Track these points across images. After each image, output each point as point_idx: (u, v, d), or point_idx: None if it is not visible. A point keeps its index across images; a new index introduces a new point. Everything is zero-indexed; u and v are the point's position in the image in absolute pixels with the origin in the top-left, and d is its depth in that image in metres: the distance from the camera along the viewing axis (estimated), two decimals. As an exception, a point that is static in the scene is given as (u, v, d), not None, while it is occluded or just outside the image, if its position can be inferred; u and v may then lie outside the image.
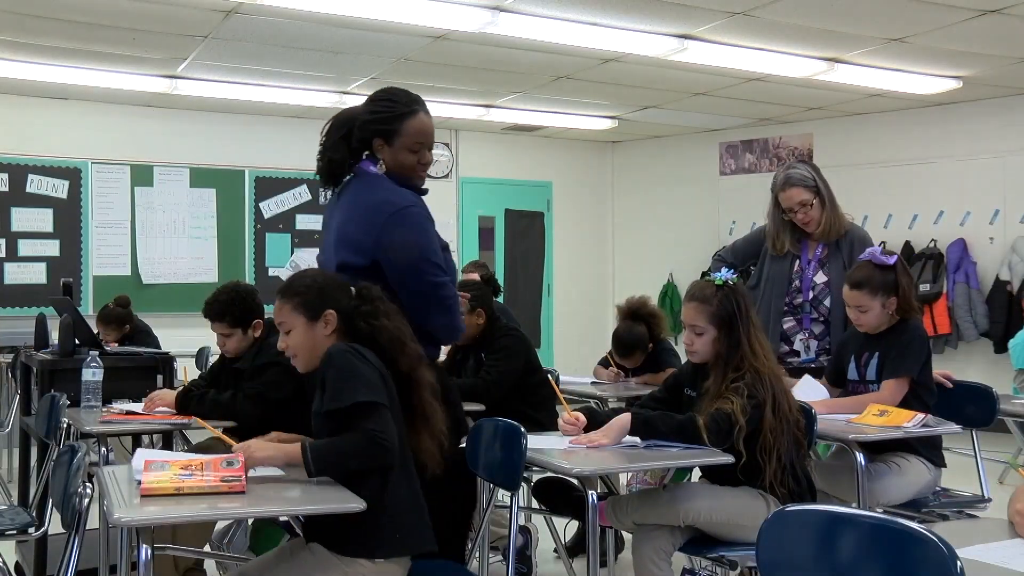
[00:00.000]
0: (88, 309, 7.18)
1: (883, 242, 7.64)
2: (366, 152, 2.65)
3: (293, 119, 8.14)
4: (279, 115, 8.00)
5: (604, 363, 4.60)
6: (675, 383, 2.87)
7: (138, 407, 3.41)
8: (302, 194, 8.27)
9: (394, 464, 2.07)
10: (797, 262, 3.60)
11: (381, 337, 2.20)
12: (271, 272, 8.11)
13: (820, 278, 3.58)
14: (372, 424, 2.04)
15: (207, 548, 3.31)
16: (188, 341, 6.17)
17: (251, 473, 2.09)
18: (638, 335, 4.33)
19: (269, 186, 8.15)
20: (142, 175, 7.71)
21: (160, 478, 2.03)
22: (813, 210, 3.57)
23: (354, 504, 1.96)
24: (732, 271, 2.74)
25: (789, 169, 3.65)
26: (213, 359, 4.27)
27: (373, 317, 2.22)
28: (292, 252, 8.19)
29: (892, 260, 3.14)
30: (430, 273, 2.54)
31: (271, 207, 8.17)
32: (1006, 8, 5.08)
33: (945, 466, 3.14)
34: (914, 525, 1.35)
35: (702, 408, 2.59)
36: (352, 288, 2.29)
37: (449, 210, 8.90)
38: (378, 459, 2.05)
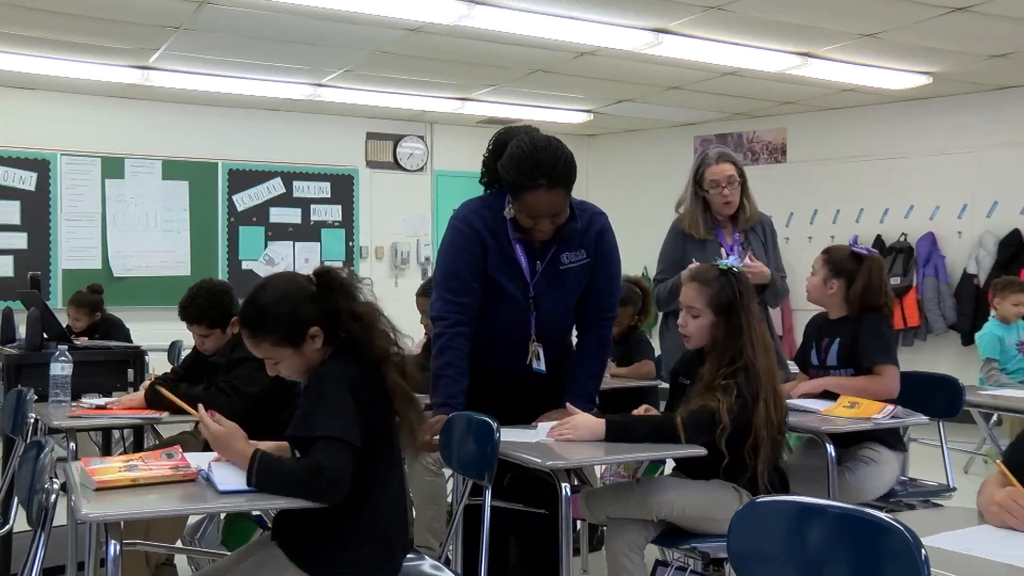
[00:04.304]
0: (57, 303, 7.09)
1: (855, 235, 7.71)
2: None
3: (267, 111, 8.08)
4: (253, 107, 7.94)
5: None
6: (673, 373, 2.87)
7: (107, 401, 3.37)
8: (276, 187, 8.21)
9: (336, 503, 1.95)
10: (721, 249, 3.64)
11: (354, 334, 2.08)
12: (244, 265, 8.06)
13: (749, 257, 3.62)
14: (326, 460, 1.92)
15: (179, 543, 3.28)
16: (160, 335, 6.11)
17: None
18: (631, 291, 4.40)
19: (243, 179, 8.09)
20: (113, 167, 7.62)
21: (109, 471, 2.02)
22: (737, 189, 3.64)
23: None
24: (738, 259, 2.72)
25: (716, 148, 3.74)
26: (186, 353, 4.23)
27: (338, 316, 2.07)
28: (266, 246, 8.16)
29: (860, 250, 3.18)
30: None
31: (244, 200, 8.11)
32: (972, 6, 5.13)
33: (906, 450, 3.18)
34: (880, 515, 1.37)
35: (692, 396, 2.58)
36: (311, 277, 2.13)
37: (423, 203, 8.87)
38: (319, 496, 1.93)
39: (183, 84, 6.97)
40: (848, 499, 3.01)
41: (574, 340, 3.04)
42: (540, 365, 2.88)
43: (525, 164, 2.65)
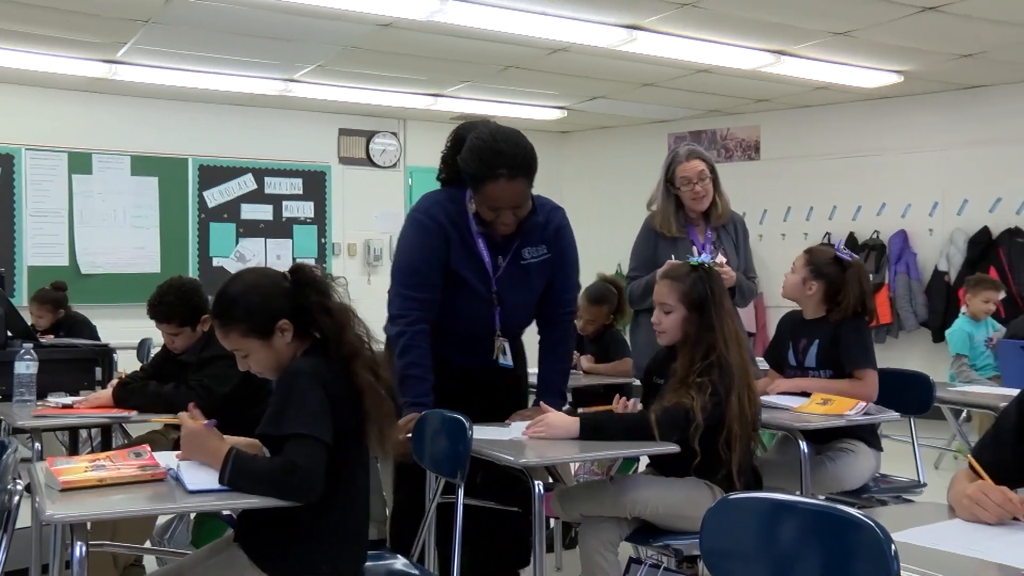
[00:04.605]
0: (22, 300, 6.99)
1: (827, 233, 7.79)
2: None
3: (238, 107, 8.01)
4: (223, 102, 7.87)
5: None
6: (647, 372, 2.89)
7: (74, 400, 3.33)
8: (247, 183, 8.16)
9: (311, 501, 1.94)
10: (693, 247, 3.67)
11: (325, 330, 2.09)
12: (215, 262, 7.99)
13: (720, 259, 3.65)
14: (299, 458, 1.91)
15: (147, 544, 3.24)
16: (129, 332, 6.05)
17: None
18: (607, 290, 4.46)
19: (213, 175, 8.02)
20: (80, 162, 7.52)
21: (75, 471, 2.00)
22: (708, 184, 3.66)
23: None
24: (709, 255, 2.76)
25: (687, 146, 3.75)
26: (155, 351, 4.19)
27: (310, 311, 2.08)
28: (237, 242, 8.11)
29: (844, 255, 3.21)
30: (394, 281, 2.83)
31: (215, 196, 8.04)
32: (942, 6, 5.19)
33: (882, 449, 3.22)
34: (851, 511, 1.38)
35: (666, 393, 2.60)
36: (285, 274, 2.15)
37: (396, 200, 8.84)
38: (294, 494, 1.92)
39: (152, 78, 6.90)
40: (827, 488, 3.06)
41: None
42: (507, 360, 2.89)
43: (485, 154, 2.66)
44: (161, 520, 3.32)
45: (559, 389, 2.96)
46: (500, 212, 2.71)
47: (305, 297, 2.08)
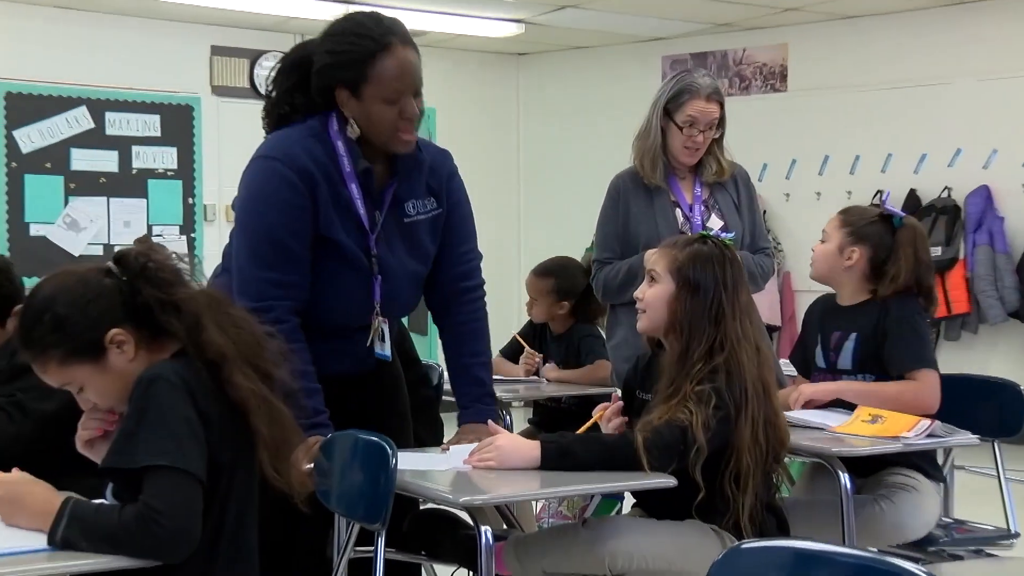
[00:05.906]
0: None
1: (879, 191, 7.87)
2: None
3: (66, 10, 7.91)
4: (43, 3, 7.76)
5: (509, 352, 4.63)
6: (627, 384, 2.94)
7: None
8: (80, 120, 8.08)
9: (182, 558, 1.94)
10: (677, 209, 3.73)
11: (175, 332, 2.10)
12: (34, 230, 7.93)
13: (715, 222, 3.72)
14: (160, 500, 1.92)
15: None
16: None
17: None
18: (575, 264, 4.57)
19: (28, 106, 7.93)
20: None
21: None
22: (709, 138, 3.72)
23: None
24: (730, 232, 2.84)
25: (706, 77, 3.79)
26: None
27: (149, 310, 2.10)
28: (66, 203, 8.02)
29: (893, 210, 3.26)
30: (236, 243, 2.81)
31: (32, 137, 7.95)
32: None
33: (944, 481, 3.27)
34: (906, 564, 1.40)
35: (654, 404, 2.63)
36: (109, 266, 2.16)
37: (292, 144, 8.80)
38: (157, 551, 1.92)
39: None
40: (882, 540, 3.09)
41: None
42: (385, 349, 2.92)
43: (365, 27, 2.76)
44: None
45: (488, 388, 3.01)
46: (403, 104, 2.74)
47: (138, 293, 2.10)
